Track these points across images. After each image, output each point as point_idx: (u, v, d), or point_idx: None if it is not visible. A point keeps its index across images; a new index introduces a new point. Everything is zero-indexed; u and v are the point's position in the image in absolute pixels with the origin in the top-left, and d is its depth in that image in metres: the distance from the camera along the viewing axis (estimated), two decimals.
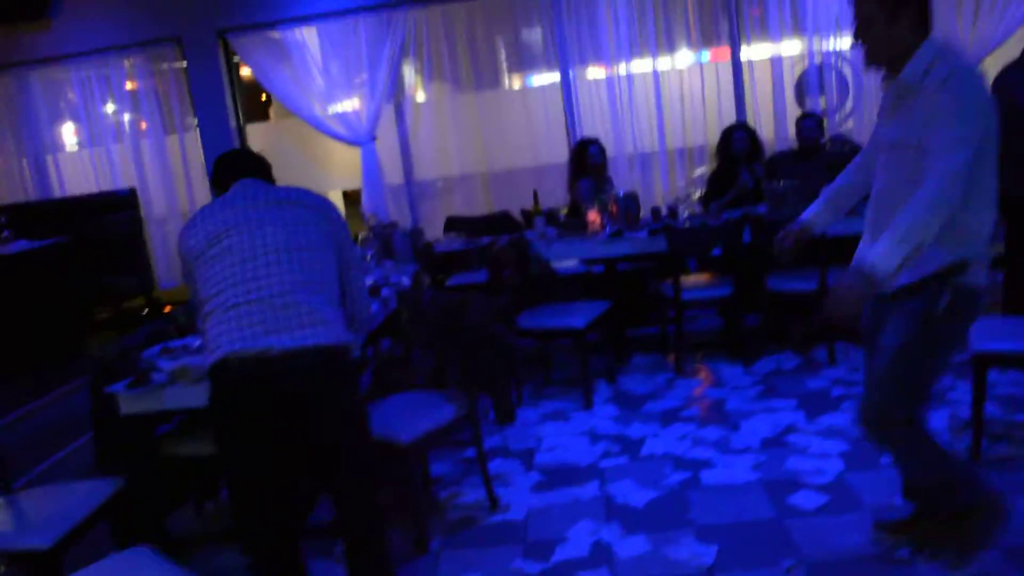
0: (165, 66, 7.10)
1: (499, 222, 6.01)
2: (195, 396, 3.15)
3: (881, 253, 2.40)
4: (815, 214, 2.97)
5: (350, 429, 2.59)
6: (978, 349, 3.54)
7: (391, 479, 3.44)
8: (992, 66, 6.35)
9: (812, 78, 6.69)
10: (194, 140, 7.03)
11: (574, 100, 6.73)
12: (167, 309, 5.95)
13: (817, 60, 6.66)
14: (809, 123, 5.61)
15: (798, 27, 6.62)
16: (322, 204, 2.76)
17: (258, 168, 2.87)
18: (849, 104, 6.75)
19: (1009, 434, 3.81)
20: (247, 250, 2.52)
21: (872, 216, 2.74)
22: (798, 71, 6.74)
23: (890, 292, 2.67)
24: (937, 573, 2.79)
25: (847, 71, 6.70)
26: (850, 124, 6.69)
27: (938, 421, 4.01)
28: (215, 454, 3.11)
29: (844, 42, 6.61)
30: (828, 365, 4.91)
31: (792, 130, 5.95)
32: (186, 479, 3.72)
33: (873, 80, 6.57)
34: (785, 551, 3.07)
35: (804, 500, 3.42)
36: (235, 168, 2.85)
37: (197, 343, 3.56)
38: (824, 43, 6.62)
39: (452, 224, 6.15)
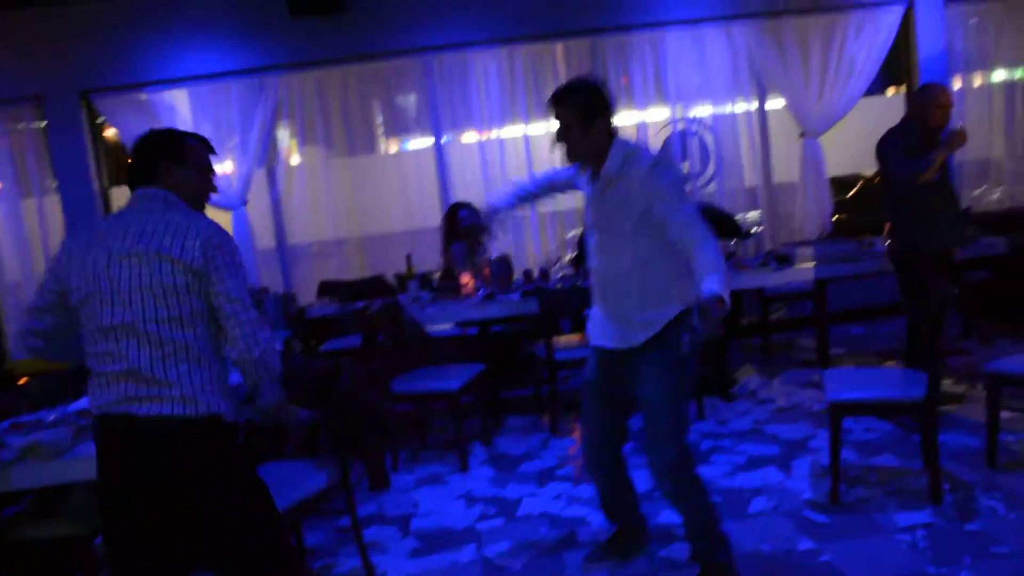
0: (22, 125, 6.83)
1: (373, 286, 6.00)
2: (49, 473, 3.00)
3: (720, 281, 2.71)
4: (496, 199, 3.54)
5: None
6: (833, 399, 3.74)
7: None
8: (835, 136, 6.88)
9: (676, 144, 7.01)
10: (53, 203, 6.75)
11: (447, 164, 6.83)
12: (21, 381, 5.64)
13: (680, 127, 6.98)
14: None
15: (662, 95, 6.93)
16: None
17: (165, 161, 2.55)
18: (711, 169, 7.08)
19: (864, 478, 4.03)
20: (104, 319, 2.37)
21: (613, 287, 3.10)
22: (662, 136, 7.05)
23: (626, 351, 3.09)
24: None
25: (708, 138, 7.04)
26: (711, 188, 7.01)
27: (800, 468, 4.20)
28: (74, 534, 2.97)
29: (705, 110, 6.97)
30: (697, 419, 5.07)
31: None
32: (38, 563, 3.50)
33: (731, 147, 6.95)
34: None
35: (677, 552, 3.50)
36: (147, 162, 2.54)
37: (51, 416, 3.40)
38: (686, 111, 6.95)
39: (325, 288, 6.10)
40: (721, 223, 5.81)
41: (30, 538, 3.27)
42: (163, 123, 6.56)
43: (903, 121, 4.80)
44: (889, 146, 4.70)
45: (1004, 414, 4.13)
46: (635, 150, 3.03)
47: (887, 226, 4.94)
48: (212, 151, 2.71)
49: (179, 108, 6.66)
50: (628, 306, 3.06)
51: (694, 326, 3.04)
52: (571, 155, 3.07)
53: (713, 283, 2.70)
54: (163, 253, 2.33)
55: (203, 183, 2.63)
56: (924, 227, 4.66)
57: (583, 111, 2.98)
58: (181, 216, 2.42)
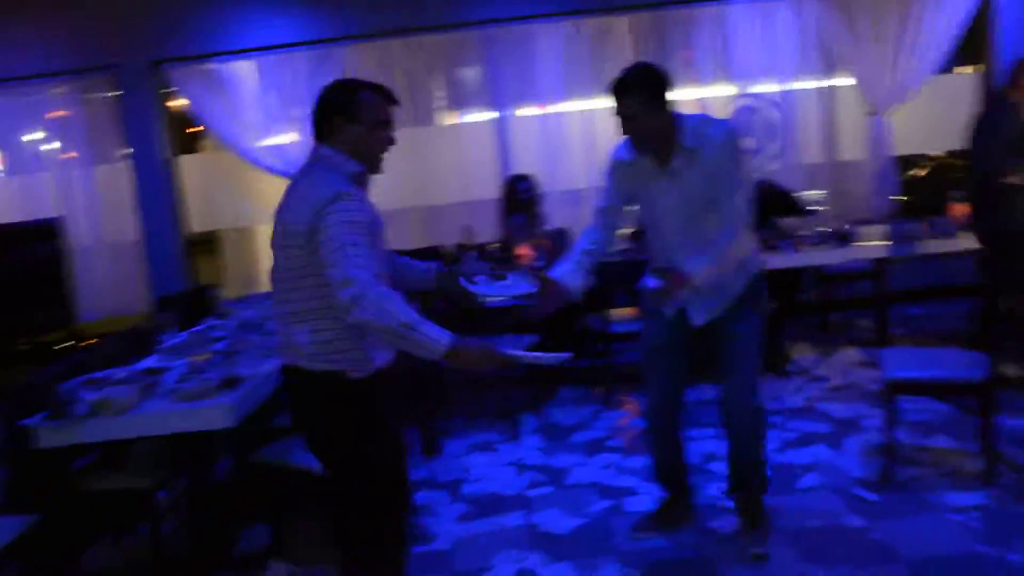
0: (96, 95, 7.03)
1: (430, 257, 6.05)
2: (117, 428, 3.13)
3: (704, 268, 2.97)
4: (564, 275, 3.22)
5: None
6: (890, 377, 3.70)
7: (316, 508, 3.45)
8: (903, 115, 6.70)
9: (740, 120, 6.91)
10: (123, 171, 6.95)
11: (507, 137, 6.85)
12: (91, 341, 5.83)
13: (745, 103, 6.88)
14: None
15: (726, 71, 6.84)
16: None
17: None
18: (776, 146, 6.97)
19: (917, 458, 3.99)
20: None
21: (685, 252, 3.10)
22: (726, 114, 6.95)
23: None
24: None
25: (774, 115, 6.93)
26: (776, 166, 6.90)
27: (851, 446, 4.17)
28: (134, 487, 3.10)
29: (771, 86, 6.85)
30: None
31: None
32: (104, 513, 3.66)
33: (797, 124, 6.83)
34: (702, 573, 3.16)
35: (725, 524, 3.53)
36: (318, 118, 2.59)
37: (122, 374, 3.52)
38: (750, 86, 6.84)
39: None
40: (779, 200, 5.74)
41: (98, 489, 3.42)
42: (229, 94, 6.71)
43: (998, 100, 4.64)
44: (986, 132, 4.57)
45: None
46: (702, 119, 3.11)
47: (968, 207, 4.81)
48: (393, 101, 2.62)
49: (246, 79, 6.78)
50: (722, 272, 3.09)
51: (763, 286, 3.26)
52: (639, 144, 3.08)
53: (697, 264, 2.95)
54: (282, 216, 2.51)
55: (373, 139, 2.57)
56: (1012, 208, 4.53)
57: (648, 99, 2.99)
58: (312, 178, 2.51)
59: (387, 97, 2.61)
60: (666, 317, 3.25)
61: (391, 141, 2.61)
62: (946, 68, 6.96)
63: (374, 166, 2.60)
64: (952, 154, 9.17)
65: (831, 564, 3.14)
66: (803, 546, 3.28)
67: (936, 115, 6.74)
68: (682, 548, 3.39)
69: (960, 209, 5.33)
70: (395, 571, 2.65)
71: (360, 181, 2.56)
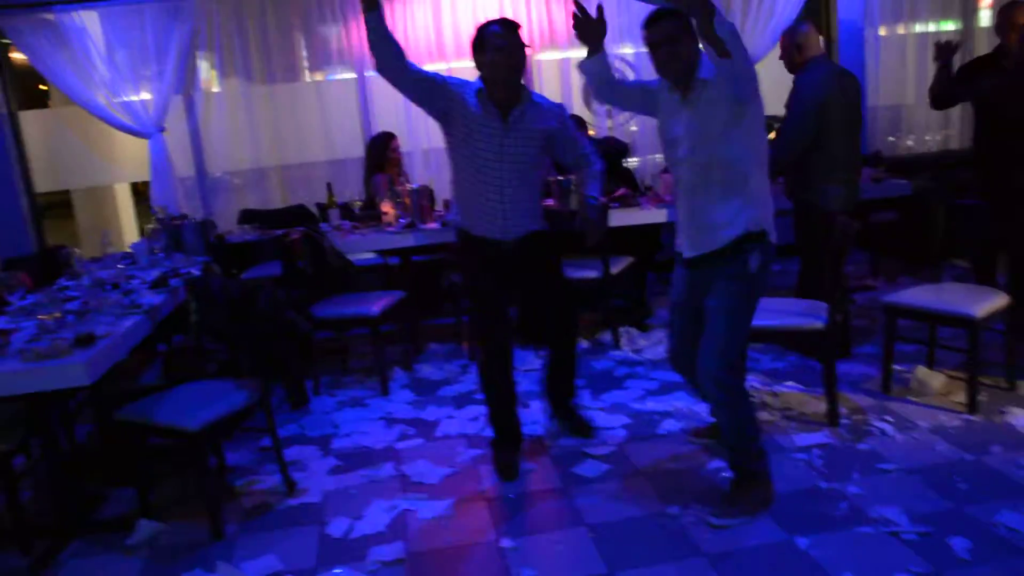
0: None
1: (295, 214, 5.96)
2: None
3: None
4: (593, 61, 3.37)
5: None
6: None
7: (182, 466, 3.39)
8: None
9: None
10: None
11: (369, 96, 6.78)
12: None
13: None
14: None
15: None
16: None
17: None
18: None
19: (768, 403, 4.25)
20: None
21: (702, 188, 3.13)
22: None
23: (695, 260, 3.21)
24: (707, 535, 3.09)
25: (630, 74, 7.11)
26: (633, 127, 7.11)
27: None
28: None
29: (627, 48, 7.02)
30: (613, 348, 5.25)
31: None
32: None
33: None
34: (569, 516, 3.29)
35: (588, 469, 3.67)
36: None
37: None
38: (608, 49, 6.97)
39: (246, 217, 6.04)
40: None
41: None
42: (73, 47, 6.35)
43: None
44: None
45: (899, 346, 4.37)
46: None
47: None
48: (511, 29, 3.38)
49: (91, 30, 6.43)
50: (713, 204, 3.11)
51: (768, 248, 3.16)
52: (679, 67, 3.07)
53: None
54: None
55: (498, 63, 3.36)
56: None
57: (687, 23, 3.01)
58: None
59: (506, 25, 3.40)
60: (682, 275, 3.34)
61: (514, 64, 3.41)
62: None
63: (511, 87, 3.45)
64: None
65: (686, 502, 3.32)
66: (661, 487, 3.46)
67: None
68: (547, 494, 3.52)
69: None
70: None
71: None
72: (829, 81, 4.48)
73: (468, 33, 3.61)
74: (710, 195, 3.12)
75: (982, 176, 4.87)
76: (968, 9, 7.52)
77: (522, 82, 3.53)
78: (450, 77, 3.54)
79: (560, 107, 3.72)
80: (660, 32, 3.05)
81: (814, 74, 4.51)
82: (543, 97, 3.68)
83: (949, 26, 7.51)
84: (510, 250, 3.62)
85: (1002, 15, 4.64)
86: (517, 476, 3.66)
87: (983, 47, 7.59)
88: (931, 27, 7.48)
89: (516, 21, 3.46)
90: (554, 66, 6.99)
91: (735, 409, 3.21)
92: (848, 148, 4.59)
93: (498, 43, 3.37)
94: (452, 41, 6.72)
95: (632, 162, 6.94)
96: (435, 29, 6.72)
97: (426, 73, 3.49)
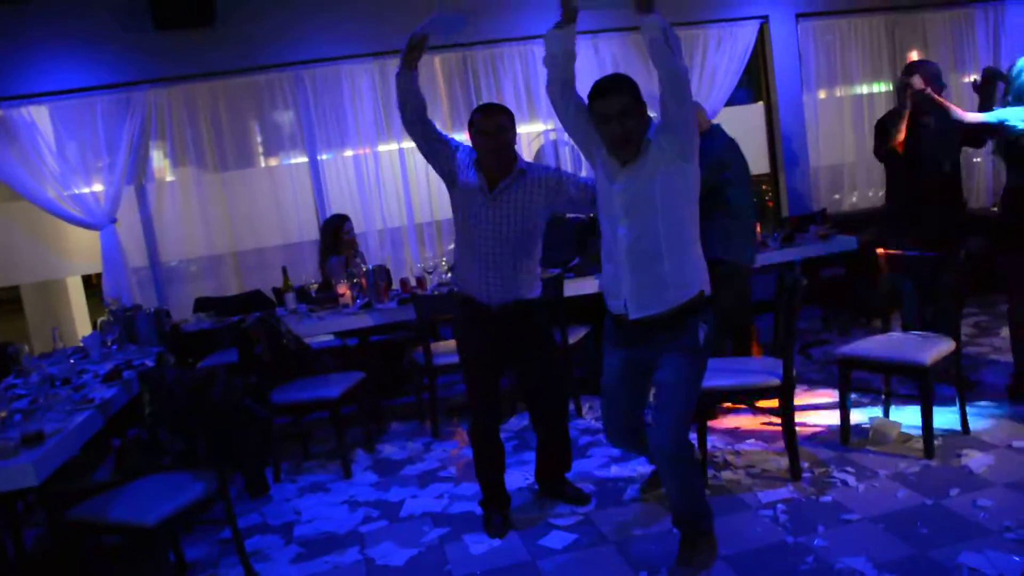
0: None
1: (250, 300, 5.94)
2: None
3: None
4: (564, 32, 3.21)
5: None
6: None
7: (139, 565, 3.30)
8: None
9: (548, 153, 7.21)
10: None
11: (322, 178, 6.83)
12: None
13: (552, 137, 7.18)
14: None
15: (533, 107, 7.12)
16: None
17: None
18: (583, 172, 7.30)
19: (731, 462, 4.26)
20: None
21: (647, 254, 3.11)
22: (535, 147, 7.24)
23: (654, 322, 3.15)
24: None
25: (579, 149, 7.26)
26: None
27: None
28: None
29: None
30: (576, 417, 5.24)
31: None
32: None
33: None
34: None
35: (555, 541, 3.65)
36: None
37: None
38: (557, 123, 7.15)
39: (202, 305, 6.00)
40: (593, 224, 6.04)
41: None
42: (22, 142, 6.35)
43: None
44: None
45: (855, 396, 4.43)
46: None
47: None
48: (494, 114, 3.62)
49: (40, 125, 6.44)
50: (663, 267, 3.09)
51: (710, 319, 3.19)
52: (630, 138, 3.06)
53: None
54: None
55: (481, 146, 3.62)
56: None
57: (638, 96, 3.08)
58: None
59: (486, 111, 3.66)
60: (619, 354, 3.31)
61: (494, 147, 3.60)
62: (731, 102, 7.52)
63: (491, 166, 3.63)
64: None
65: (655, 567, 3.31)
66: (629, 553, 3.45)
67: None
68: (515, 569, 3.47)
69: (759, 229, 5.76)
70: None
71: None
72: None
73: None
74: (661, 256, 3.10)
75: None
76: (898, 71, 7.82)
77: (514, 156, 3.69)
78: (463, 145, 3.79)
79: (553, 168, 3.93)
80: (611, 107, 3.03)
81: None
82: (537, 166, 3.77)
83: (881, 87, 7.80)
84: (495, 314, 3.71)
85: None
86: (505, 535, 3.74)
87: None
88: (864, 89, 7.78)
89: (501, 105, 3.72)
90: None
91: (685, 478, 3.20)
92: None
93: (482, 127, 3.61)
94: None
95: None
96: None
97: (442, 136, 3.78)
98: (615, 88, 3.06)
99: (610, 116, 3.03)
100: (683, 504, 3.25)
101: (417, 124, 3.69)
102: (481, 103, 3.67)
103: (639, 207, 3.10)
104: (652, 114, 3.22)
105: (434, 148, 3.74)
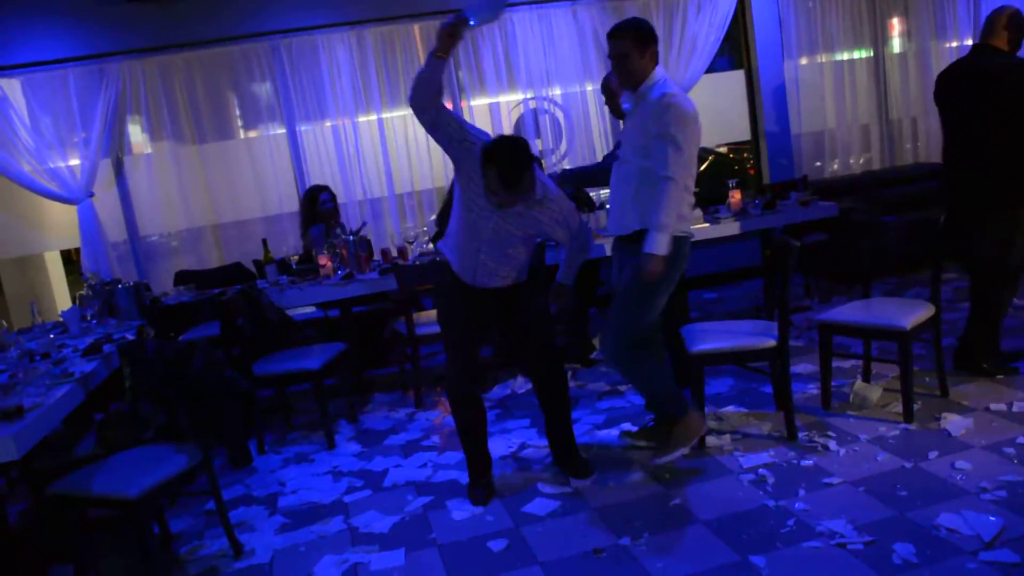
0: None
1: (231, 273, 5.91)
2: None
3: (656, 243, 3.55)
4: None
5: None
6: (696, 350, 3.95)
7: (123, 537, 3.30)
8: None
9: (528, 122, 7.17)
10: None
11: (301, 149, 6.78)
12: None
13: (532, 106, 7.14)
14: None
15: (513, 77, 7.07)
16: None
17: None
18: (563, 146, 7.28)
19: (716, 426, 4.27)
20: None
21: (624, 181, 3.80)
22: (515, 116, 7.20)
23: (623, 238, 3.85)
24: (661, 563, 3.09)
25: (559, 115, 7.23)
26: (566, 164, 7.20)
27: None
28: None
29: (556, 90, 7.15)
30: None
31: None
32: None
33: (582, 124, 7.17)
34: (522, 556, 3.27)
35: (539, 507, 3.67)
36: None
37: None
38: (537, 91, 7.11)
39: (182, 279, 5.96)
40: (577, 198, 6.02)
41: None
42: None
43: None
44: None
45: (836, 362, 4.45)
46: (660, 80, 3.70)
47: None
48: (516, 191, 3.42)
49: (13, 98, 6.34)
50: (628, 197, 3.74)
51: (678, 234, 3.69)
52: (626, 78, 3.71)
53: (651, 243, 3.55)
54: None
55: (497, 192, 3.42)
56: None
57: (639, 40, 3.63)
58: None
59: (502, 163, 3.36)
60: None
61: (496, 193, 3.42)
62: (712, 69, 7.50)
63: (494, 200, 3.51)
64: (730, 147, 9.92)
65: (638, 532, 3.33)
66: (612, 519, 3.47)
67: (710, 112, 7.27)
68: (499, 536, 3.49)
69: (737, 196, 5.77)
70: None
71: None
72: None
73: None
74: (631, 188, 3.73)
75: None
76: (879, 38, 7.83)
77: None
78: (478, 137, 3.49)
79: (562, 198, 3.68)
80: (612, 49, 3.68)
81: None
82: (555, 193, 3.64)
83: (862, 54, 7.80)
84: (479, 293, 3.75)
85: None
86: (489, 501, 3.79)
87: (895, 73, 7.93)
88: (845, 56, 7.77)
89: (526, 176, 3.39)
90: (484, 110, 7.08)
91: (637, 375, 3.81)
92: None
93: (502, 200, 3.44)
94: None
95: None
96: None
97: (456, 121, 3.49)
98: (614, 36, 3.71)
99: (613, 56, 3.72)
100: (645, 393, 3.96)
101: (430, 109, 3.43)
102: (506, 165, 3.35)
103: (632, 144, 3.78)
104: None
105: (446, 137, 3.49)
